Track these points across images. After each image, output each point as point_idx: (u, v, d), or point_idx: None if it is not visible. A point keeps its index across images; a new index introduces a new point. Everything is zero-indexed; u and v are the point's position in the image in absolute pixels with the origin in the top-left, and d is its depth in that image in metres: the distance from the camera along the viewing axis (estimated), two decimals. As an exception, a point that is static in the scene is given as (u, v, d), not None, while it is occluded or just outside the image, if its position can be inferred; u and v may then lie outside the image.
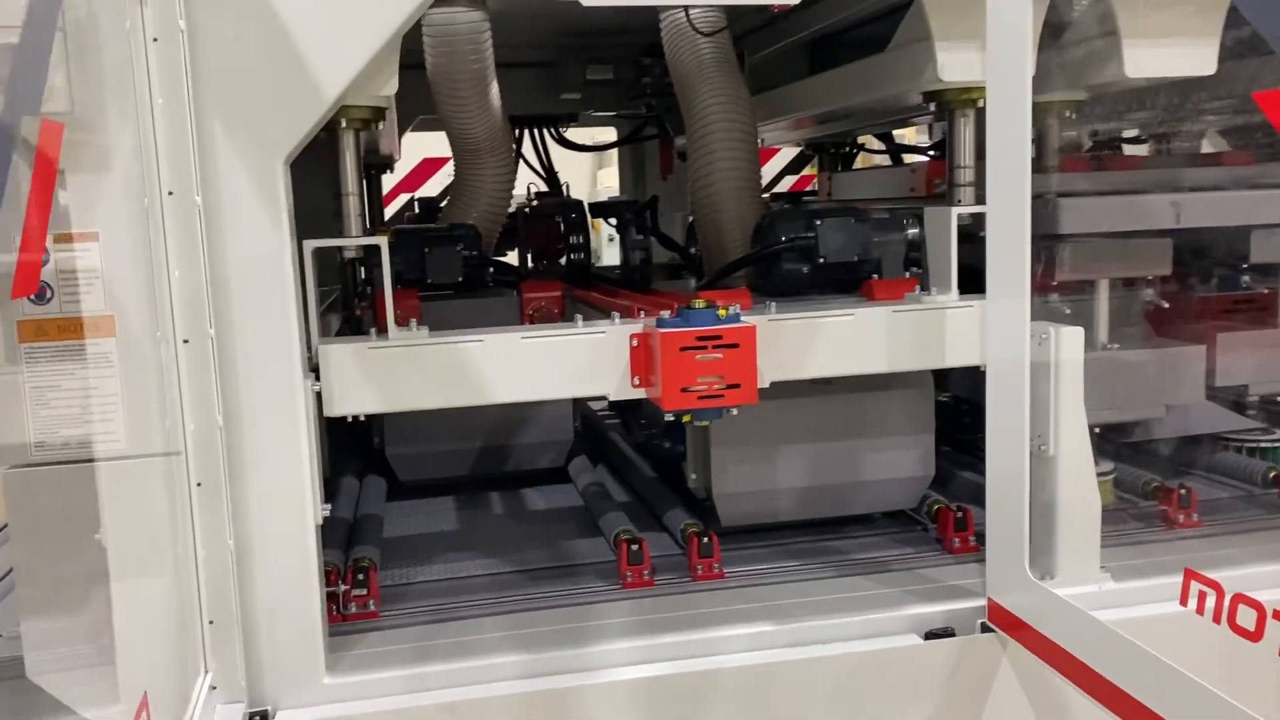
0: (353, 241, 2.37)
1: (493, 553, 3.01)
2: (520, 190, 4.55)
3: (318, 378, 2.25)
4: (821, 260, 2.69)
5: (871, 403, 2.97)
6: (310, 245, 2.28)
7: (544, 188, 5.10)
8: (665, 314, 2.37)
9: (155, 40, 1.89)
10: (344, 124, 2.32)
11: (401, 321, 2.39)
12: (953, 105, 2.62)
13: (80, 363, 2.01)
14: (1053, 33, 2.76)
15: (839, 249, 2.68)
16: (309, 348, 2.27)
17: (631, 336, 2.41)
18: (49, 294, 1.98)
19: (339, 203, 2.39)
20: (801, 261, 2.73)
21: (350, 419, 2.77)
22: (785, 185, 5.81)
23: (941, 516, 2.92)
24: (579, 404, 3.71)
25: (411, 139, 5.03)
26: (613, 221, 3.76)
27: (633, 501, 3.42)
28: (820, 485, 3.00)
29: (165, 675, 2.09)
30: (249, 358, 2.09)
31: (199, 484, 2.03)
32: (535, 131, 5.05)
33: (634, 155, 5.56)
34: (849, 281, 2.79)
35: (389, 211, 5.83)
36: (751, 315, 2.46)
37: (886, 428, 3.00)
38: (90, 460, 2.03)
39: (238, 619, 2.12)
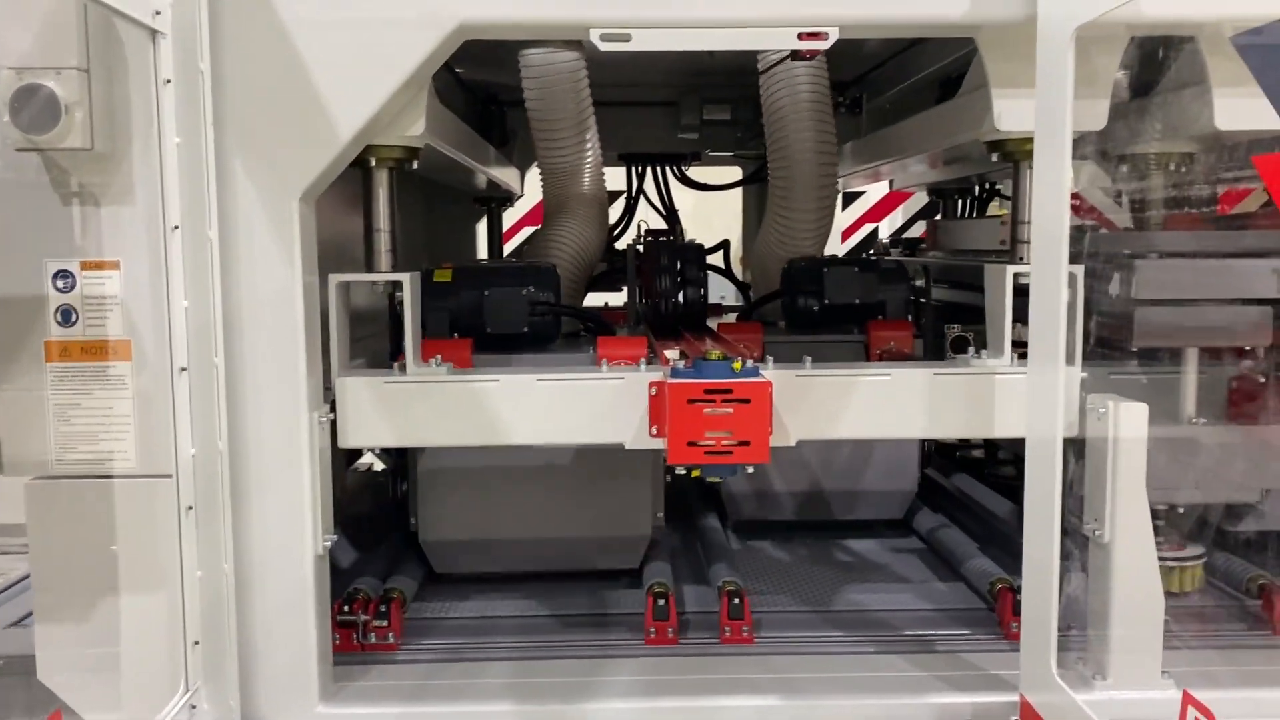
0: (378, 277, 2.42)
1: (536, 594, 2.98)
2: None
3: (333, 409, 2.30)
4: (827, 302, 3.04)
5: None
6: (335, 279, 2.34)
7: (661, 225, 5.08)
8: (681, 364, 2.30)
9: (168, 82, 1.98)
10: (374, 162, 2.37)
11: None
12: (1015, 156, 2.44)
13: (100, 383, 2.12)
14: (1143, 82, 2.55)
15: (840, 293, 3.06)
16: (328, 380, 2.32)
17: (651, 384, 2.34)
18: (74, 317, 2.11)
19: (370, 238, 2.43)
20: (813, 301, 3.09)
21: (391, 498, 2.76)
22: (919, 230, 5.58)
23: (1001, 597, 2.70)
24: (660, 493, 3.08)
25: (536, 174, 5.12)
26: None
27: (695, 552, 3.32)
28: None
29: (164, 687, 2.17)
30: (255, 387, 2.15)
31: (189, 507, 2.09)
32: (656, 170, 5.05)
33: (759, 195, 5.47)
34: (859, 321, 3.11)
35: (510, 245, 5.96)
36: (780, 370, 2.35)
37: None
38: (102, 476, 2.13)
39: (232, 641, 2.17)
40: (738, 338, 2.91)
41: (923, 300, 3.15)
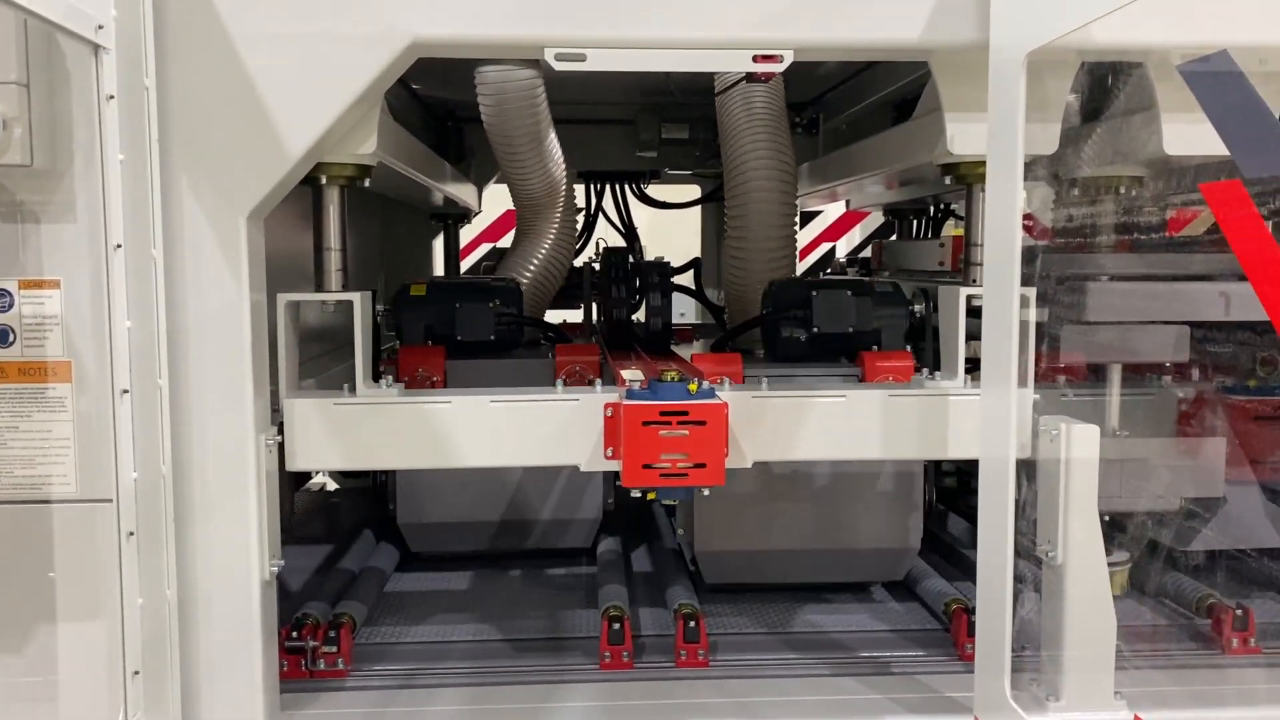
0: (328, 296, 2.38)
1: (491, 617, 2.95)
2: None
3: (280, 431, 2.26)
4: (815, 330, 2.72)
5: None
6: (284, 299, 2.30)
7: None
8: (636, 385, 2.28)
9: (111, 98, 1.93)
10: (325, 180, 2.33)
11: (419, 380, 2.38)
12: (968, 179, 2.45)
13: (38, 405, 2.07)
14: (1095, 106, 2.58)
15: (831, 320, 2.72)
16: (276, 402, 2.28)
17: (606, 406, 2.32)
18: (11, 337, 2.05)
19: (320, 257, 2.40)
20: (800, 330, 2.76)
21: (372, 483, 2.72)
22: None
23: (956, 618, 2.70)
24: (611, 481, 3.32)
25: (496, 190, 5.09)
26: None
27: (653, 574, 3.30)
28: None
29: (103, 718, 2.11)
30: (200, 410, 2.10)
31: (131, 532, 2.03)
32: (615, 187, 5.04)
33: (718, 212, 5.47)
34: (850, 351, 2.82)
35: (468, 262, 5.93)
36: (737, 391, 2.34)
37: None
38: (40, 501, 2.07)
39: (175, 670, 2.11)
40: (714, 370, 2.61)
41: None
